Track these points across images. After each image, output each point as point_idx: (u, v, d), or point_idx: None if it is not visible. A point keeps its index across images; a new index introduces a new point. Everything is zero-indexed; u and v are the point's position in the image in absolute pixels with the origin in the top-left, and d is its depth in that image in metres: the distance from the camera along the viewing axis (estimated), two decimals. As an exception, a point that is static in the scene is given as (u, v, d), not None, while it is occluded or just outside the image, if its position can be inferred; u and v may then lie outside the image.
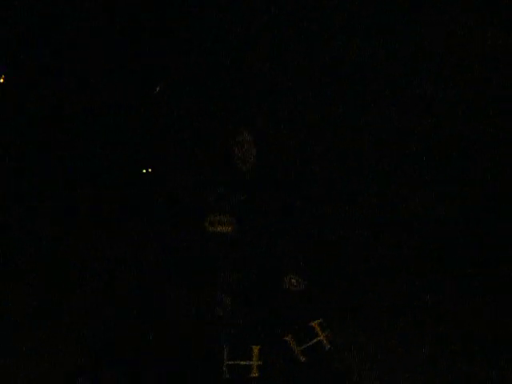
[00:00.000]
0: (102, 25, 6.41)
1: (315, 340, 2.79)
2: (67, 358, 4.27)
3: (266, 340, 2.81)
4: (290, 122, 5.87)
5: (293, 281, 2.81)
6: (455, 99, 5.82)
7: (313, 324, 2.80)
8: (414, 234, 5.30)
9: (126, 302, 5.06)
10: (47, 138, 6.36)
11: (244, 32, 6.39)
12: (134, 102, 6.36)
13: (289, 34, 6.44)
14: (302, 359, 2.75)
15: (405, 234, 5.27)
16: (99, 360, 4.21)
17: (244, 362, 2.82)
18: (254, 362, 2.81)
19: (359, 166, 5.82)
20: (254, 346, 2.82)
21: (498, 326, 4.37)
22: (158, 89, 5.99)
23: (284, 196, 2.88)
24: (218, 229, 2.87)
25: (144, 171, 5.80)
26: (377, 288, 4.83)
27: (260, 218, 2.81)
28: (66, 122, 6.36)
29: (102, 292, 5.42)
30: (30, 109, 6.48)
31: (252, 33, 6.42)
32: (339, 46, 6.15)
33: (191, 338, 3.35)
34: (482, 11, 6.14)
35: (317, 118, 5.97)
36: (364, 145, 5.84)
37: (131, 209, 6.12)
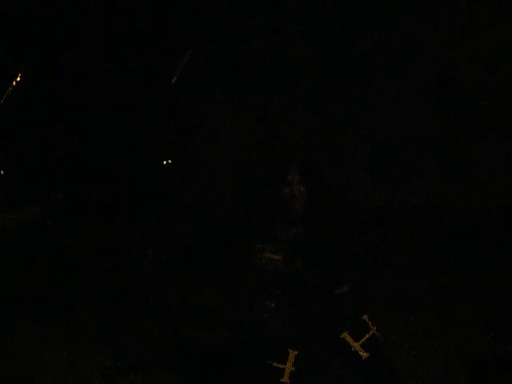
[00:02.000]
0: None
1: (370, 333, 2.78)
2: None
3: (310, 343, 2.79)
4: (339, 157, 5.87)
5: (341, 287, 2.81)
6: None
7: (364, 317, 2.79)
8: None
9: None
10: (61, 130, 6.34)
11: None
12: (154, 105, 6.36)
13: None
14: (364, 355, 2.74)
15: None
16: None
17: (277, 365, 2.79)
18: (288, 367, 2.78)
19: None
20: (291, 350, 2.79)
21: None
22: (174, 79, 5.98)
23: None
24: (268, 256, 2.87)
25: (164, 163, 5.78)
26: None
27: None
28: (82, 113, 6.34)
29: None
30: (46, 100, 6.46)
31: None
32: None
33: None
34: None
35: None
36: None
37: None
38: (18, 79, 6.39)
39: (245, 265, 2.95)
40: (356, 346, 2.74)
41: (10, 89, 6.21)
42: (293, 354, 2.79)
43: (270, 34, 6.65)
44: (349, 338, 2.75)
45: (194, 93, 6.61)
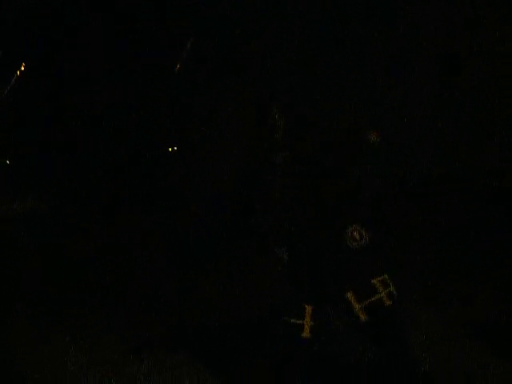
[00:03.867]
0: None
1: (375, 297, 2.71)
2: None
3: (321, 299, 2.73)
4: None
5: (355, 234, 2.74)
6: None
7: (374, 281, 2.72)
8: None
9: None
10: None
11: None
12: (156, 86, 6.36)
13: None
14: (363, 318, 2.68)
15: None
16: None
17: (296, 321, 2.73)
18: (307, 322, 2.72)
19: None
20: (306, 305, 2.73)
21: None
22: (178, 66, 5.99)
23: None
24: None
25: (170, 149, 5.78)
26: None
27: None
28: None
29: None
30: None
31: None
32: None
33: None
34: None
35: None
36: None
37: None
38: (21, 70, 6.38)
39: (247, 227, 2.93)
40: (357, 307, 2.68)
41: (12, 82, 6.20)
42: (309, 308, 2.74)
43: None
44: (352, 298, 2.70)
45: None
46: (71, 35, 6.71)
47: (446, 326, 3.87)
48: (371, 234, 2.75)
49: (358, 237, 2.73)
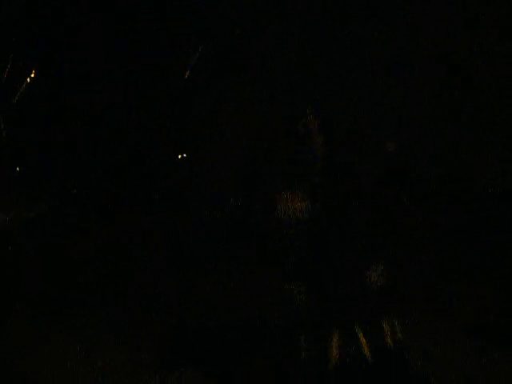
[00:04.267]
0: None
1: (381, 338, 2.75)
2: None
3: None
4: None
5: (373, 274, 2.76)
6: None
7: (382, 323, 2.75)
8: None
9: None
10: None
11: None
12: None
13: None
14: (369, 356, 2.70)
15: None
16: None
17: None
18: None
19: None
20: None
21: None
22: (187, 73, 5.99)
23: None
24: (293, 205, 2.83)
25: (179, 157, 5.79)
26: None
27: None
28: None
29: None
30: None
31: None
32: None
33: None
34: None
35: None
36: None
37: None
38: (31, 77, 6.40)
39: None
40: (363, 343, 2.72)
41: (22, 88, 6.21)
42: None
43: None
44: (360, 334, 2.73)
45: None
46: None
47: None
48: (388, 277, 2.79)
49: (374, 277, 2.77)
